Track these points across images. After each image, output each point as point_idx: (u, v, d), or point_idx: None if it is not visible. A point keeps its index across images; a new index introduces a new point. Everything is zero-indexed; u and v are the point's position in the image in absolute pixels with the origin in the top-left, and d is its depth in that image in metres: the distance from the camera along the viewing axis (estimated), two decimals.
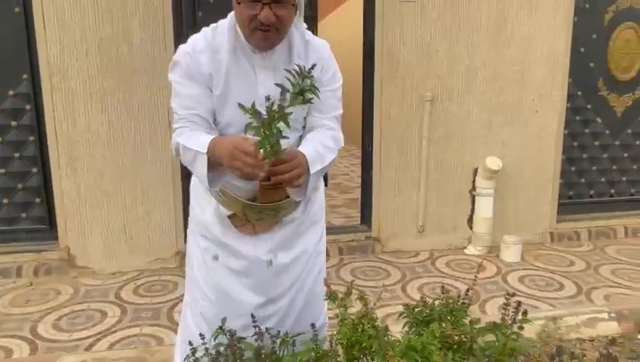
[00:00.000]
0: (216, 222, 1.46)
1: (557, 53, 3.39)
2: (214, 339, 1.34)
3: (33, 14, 2.78)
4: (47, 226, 3.11)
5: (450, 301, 1.41)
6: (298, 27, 1.41)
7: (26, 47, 2.89)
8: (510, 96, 3.36)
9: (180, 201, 3.11)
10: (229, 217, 1.43)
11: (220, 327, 1.35)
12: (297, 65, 1.19)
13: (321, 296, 1.56)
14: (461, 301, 1.41)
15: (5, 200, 3.05)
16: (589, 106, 3.70)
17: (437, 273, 3.08)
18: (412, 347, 1.13)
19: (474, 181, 3.39)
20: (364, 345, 1.18)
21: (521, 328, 1.23)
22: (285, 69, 1.24)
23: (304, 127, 1.44)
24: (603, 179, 3.85)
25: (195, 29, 3.07)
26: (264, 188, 1.35)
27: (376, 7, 3.13)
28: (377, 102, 3.21)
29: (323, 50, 1.44)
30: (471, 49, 3.26)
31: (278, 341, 1.33)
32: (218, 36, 1.37)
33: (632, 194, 3.92)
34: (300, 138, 1.43)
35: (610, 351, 1.09)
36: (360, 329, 1.27)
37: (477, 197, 3.38)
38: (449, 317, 1.36)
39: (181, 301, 2.65)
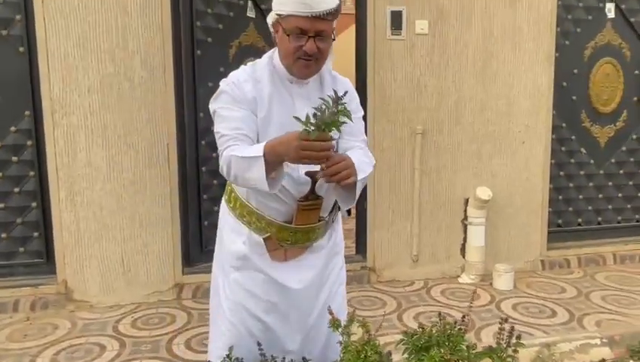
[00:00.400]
0: (248, 250, 1.54)
1: (540, 87, 3.55)
2: None
3: (37, 53, 2.88)
4: (44, 260, 3.12)
5: (448, 327, 1.47)
6: (327, 65, 1.56)
7: (29, 85, 2.97)
8: (498, 127, 3.50)
9: (178, 234, 3.16)
10: (264, 240, 1.51)
11: (228, 356, 1.39)
12: (330, 94, 1.30)
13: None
14: (457, 327, 1.47)
15: (4, 235, 3.07)
16: (573, 137, 3.84)
17: (432, 302, 3.13)
18: None
19: (465, 211, 3.48)
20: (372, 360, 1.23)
21: (515, 351, 1.29)
22: (319, 98, 1.35)
23: (336, 152, 1.52)
24: (590, 208, 3.97)
25: (194, 65, 3.19)
26: (301, 208, 1.48)
27: (367, 44, 3.28)
28: (370, 136, 3.31)
29: (348, 84, 1.63)
30: (458, 84, 3.41)
31: None
32: (258, 70, 1.52)
33: (618, 222, 4.03)
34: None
35: None
36: (363, 356, 1.33)
37: (469, 227, 3.46)
38: (447, 343, 1.42)
39: (180, 333, 2.69)
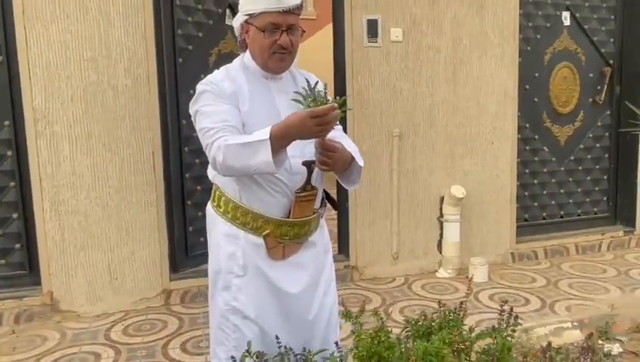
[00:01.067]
0: (247, 254, 1.59)
1: (506, 91, 3.77)
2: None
3: (18, 63, 2.84)
4: (27, 272, 3.07)
5: (448, 313, 1.61)
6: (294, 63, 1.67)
7: (8, 95, 2.93)
8: (468, 129, 3.70)
9: (165, 240, 3.19)
10: (264, 237, 1.57)
11: (247, 350, 1.47)
12: (304, 86, 1.43)
13: (335, 320, 1.74)
14: (457, 312, 1.61)
15: None
16: (536, 137, 4.10)
17: (414, 296, 3.28)
18: (428, 352, 1.30)
19: (441, 208, 3.66)
20: (385, 354, 1.34)
21: (513, 331, 1.43)
22: (295, 92, 1.45)
23: None
24: (553, 202, 4.24)
25: (176, 73, 3.22)
26: (299, 199, 1.55)
27: (345, 51, 3.41)
28: (350, 138, 3.44)
29: (315, 78, 1.67)
30: (432, 88, 3.59)
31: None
32: (231, 71, 1.60)
33: (578, 215, 4.32)
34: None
35: (588, 343, 1.31)
36: (377, 342, 1.44)
37: (445, 223, 3.64)
38: (448, 328, 1.55)
39: (174, 338, 2.72)
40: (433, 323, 1.56)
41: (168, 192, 3.23)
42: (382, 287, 3.43)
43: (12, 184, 3.02)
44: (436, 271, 3.68)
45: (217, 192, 1.64)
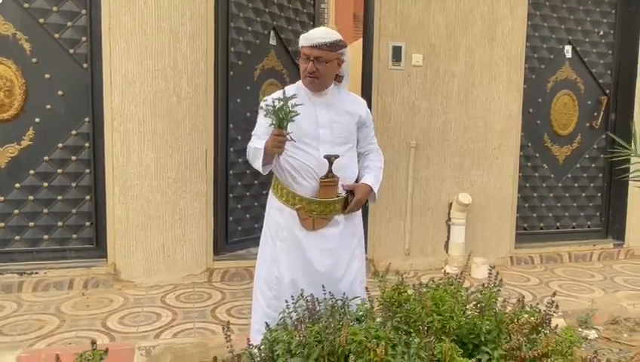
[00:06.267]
0: (287, 221, 2.19)
1: (512, 113, 4.28)
2: (295, 304, 1.98)
3: (102, 70, 3.42)
4: (94, 246, 3.62)
5: (451, 280, 2.11)
6: (344, 87, 2.29)
7: (90, 96, 3.50)
8: (477, 145, 4.21)
9: (211, 226, 3.72)
10: (297, 210, 2.14)
11: (301, 294, 1.98)
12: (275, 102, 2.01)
13: (359, 285, 2.26)
14: (457, 279, 2.12)
15: (59, 223, 3.56)
16: (537, 155, 4.60)
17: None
18: (436, 299, 1.81)
19: (449, 213, 4.16)
20: (404, 296, 1.85)
21: (499, 290, 1.94)
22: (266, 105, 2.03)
23: (358, 145, 2.31)
24: (550, 214, 4.72)
25: (227, 84, 3.77)
26: (322, 184, 2.13)
27: (372, 73, 3.95)
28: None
29: (363, 103, 2.36)
30: (446, 107, 4.11)
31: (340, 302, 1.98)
32: (287, 90, 2.19)
33: (573, 227, 4.79)
34: (350, 148, 2.23)
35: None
36: (398, 293, 1.95)
37: (452, 226, 4.14)
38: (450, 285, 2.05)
39: (219, 306, 3.24)
40: (440, 285, 2.07)
41: (215, 185, 3.77)
42: (393, 278, 3.91)
43: (87, 171, 3.58)
44: (442, 268, 4.17)
45: (274, 178, 2.28)
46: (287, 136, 1.98)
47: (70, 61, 3.46)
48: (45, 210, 3.50)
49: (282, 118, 1.94)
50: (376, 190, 2.27)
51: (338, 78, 2.25)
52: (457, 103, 4.13)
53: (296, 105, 1.96)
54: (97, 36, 3.43)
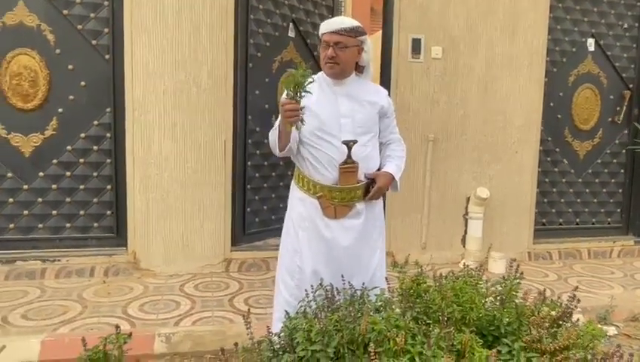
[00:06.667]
0: (309, 210, 2.20)
1: (532, 107, 4.23)
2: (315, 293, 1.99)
3: (123, 61, 3.46)
4: (114, 235, 3.68)
5: (470, 272, 2.11)
6: (367, 77, 2.28)
7: (111, 86, 3.55)
8: (495, 139, 4.17)
9: (229, 217, 3.75)
10: (319, 198, 2.15)
11: (320, 284, 2.00)
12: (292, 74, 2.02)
13: (380, 275, 2.26)
14: (477, 272, 2.11)
15: (82, 212, 3.63)
16: (557, 150, 4.54)
17: None
18: (456, 290, 1.81)
19: (467, 207, 4.14)
20: (424, 287, 1.86)
21: (519, 283, 1.93)
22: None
23: (379, 135, 2.30)
24: (570, 210, 4.66)
25: (246, 76, 3.77)
26: (342, 170, 2.13)
27: (392, 65, 3.93)
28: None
29: (384, 92, 2.33)
30: (465, 101, 4.08)
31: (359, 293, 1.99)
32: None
33: (593, 223, 4.73)
34: (372, 137, 2.22)
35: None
36: (417, 284, 1.95)
37: (469, 221, 4.12)
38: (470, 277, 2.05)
39: (237, 295, 3.28)
40: (459, 277, 2.07)
41: (233, 177, 3.80)
42: (412, 271, 3.91)
43: (108, 161, 3.63)
44: (459, 262, 4.15)
45: (296, 169, 2.28)
46: (301, 111, 1.95)
47: (93, 52, 3.51)
48: (68, 199, 3.57)
49: (295, 86, 1.88)
50: (397, 178, 2.26)
51: (359, 69, 2.25)
52: (477, 97, 4.10)
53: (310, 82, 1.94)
54: (119, 28, 3.47)
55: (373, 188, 2.19)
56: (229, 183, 3.74)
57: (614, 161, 4.72)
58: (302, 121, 1.98)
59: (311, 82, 1.93)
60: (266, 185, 4.09)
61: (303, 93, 1.91)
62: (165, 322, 2.84)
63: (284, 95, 2.01)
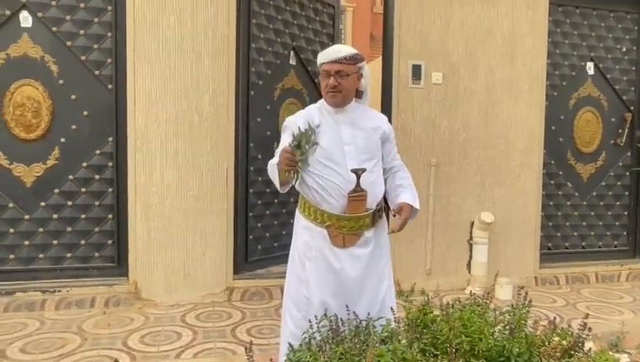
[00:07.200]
0: (316, 240, 2.15)
1: (533, 130, 4.23)
2: (319, 324, 1.95)
3: (126, 91, 3.49)
4: (115, 264, 3.64)
5: (477, 301, 2.06)
6: (365, 102, 2.29)
7: (114, 116, 3.56)
8: (498, 162, 4.16)
9: (231, 245, 3.72)
10: (327, 227, 2.11)
11: (325, 314, 1.95)
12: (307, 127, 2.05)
13: (389, 303, 2.21)
14: (484, 301, 2.07)
15: (82, 241, 3.60)
16: (560, 173, 4.52)
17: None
18: (464, 320, 1.76)
19: (471, 232, 4.10)
20: (431, 317, 1.81)
21: (527, 311, 1.88)
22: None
23: (382, 161, 2.29)
24: (575, 234, 4.61)
25: (248, 103, 3.79)
26: (351, 199, 2.10)
27: (392, 91, 3.95)
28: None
29: (385, 118, 2.33)
30: (466, 125, 4.08)
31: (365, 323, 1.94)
32: (310, 109, 2.27)
33: (599, 247, 4.67)
34: (376, 163, 2.21)
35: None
36: (424, 314, 1.91)
37: (474, 245, 4.07)
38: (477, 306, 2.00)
39: (239, 325, 3.22)
40: (466, 306, 2.02)
41: (235, 204, 3.78)
42: (417, 298, 3.85)
43: (110, 190, 3.62)
44: (465, 288, 4.09)
45: (301, 197, 2.24)
46: (299, 164, 2.00)
47: (95, 82, 3.54)
48: (69, 229, 3.55)
49: (301, 142, 1.96)
50: (417, 206, 2.28)
51: (358, 94, 2.26)
52: (478, 121, 4.10)
53: (316, 142, 2.01)
54: (122, 58, 3.51)
55: (401, 221, 2.21)
56: (231, 211, 3.71)
57: (618, 183, 4.70)
58: (296, 173, 2.03)
59: (316, 144, 2.02)
60: (269, 212, 4.07)
61: (304, 151, 1.97)
62: (166, 354, 2.78)
63: (286, 138, 2.06)
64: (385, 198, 2.29)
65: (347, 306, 1.95)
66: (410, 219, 2.30)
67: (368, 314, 2.05)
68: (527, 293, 1.92)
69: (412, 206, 2.25)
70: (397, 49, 3.94)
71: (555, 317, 1.94)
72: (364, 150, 2.15)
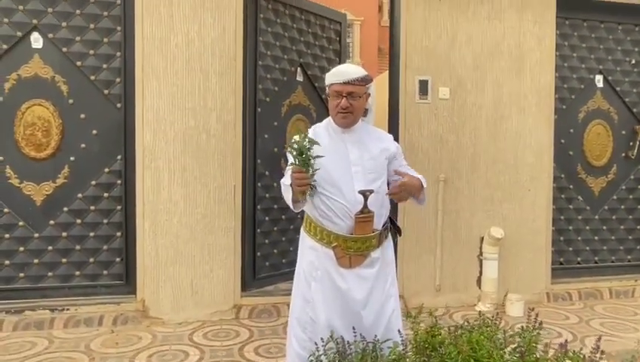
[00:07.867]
0: (322, 260, 2.13)
1: (542, 144, 4.20)
2: (325, 346, 1.92)
3: (135, 109, 3.52)
4: (124, 282, 3.65)
5: (487, 321, 2.03)
6: (370, 121, 2.27)
7: (122, 135, 3.60)
8: (507, 177, 4.12)
9: (239, 262, 3.71)
10: (333, 248, 2.09)
11: (331, 336, 1.93)
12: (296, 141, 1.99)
13: (395, 324, 2.18)
14: (493, 320, 2.03)
15: (91, 259, 3.61)
16: (571, 186, 4.47)
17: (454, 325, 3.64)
18: (471, 341, 1.73)
19: (481, 247, 4.05)
20: (439, 339, 1.78)
21: (538, 333, 1.84)
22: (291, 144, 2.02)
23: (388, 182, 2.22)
24: (587, 248, 4.54)
25: (255, 120, 3.81)
26: (358, 220, 2.07)
27: (399, 106, 3.95)
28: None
29: (390, 137, 2.32)
30: (474, 140, 4.06)
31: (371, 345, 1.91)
32: (317, 128, 2.24)
33: (612, 261, 4.59)
34: (382, 183, 2.15)
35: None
36: (432, 335, 1.88)
37: (484, 261, 4.02)
38: (486, 327, 1.97)
39: (247, 344, 3.19)
40: (475, 327, 1.99)
41: (243, 221, 3.77)
42: (426, 316, 3.80)
43: (119, 207, 3.64)
44: (475, 304, 4.03)
45: (306, 216, 2.23)
46: (311, 178, 1.96)
47: (105, 101, 3.58)
48: (78, 247, 3.56)
49: (301, 155, 1.92)
50: (425, 184, 2.23)
51: (364, 112, 2.25)
52: (486, 135, 4.08)
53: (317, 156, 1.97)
54: (131, 77, 3.55)
55: (402, 181, 2.09)
56: (239, 227, 3.71)
57: (630, 196, 4.63)
58: (312, 187, 2.01)
59: (316, 143, 1.96)
60: (276, 229, 4.06)
61: (310, 160, 1.94)
62: None
63: (291, 158, 2.05)
64: (390, 218, 2.26)
65: (353, 328, 1.92)
66: (421, 204, 2.29)
67: (375, 335, 2.02)
68: (537, 315, 1.88)
69: (419, 182, 2.19)
70: (403, 64, 3.94)
71: (566, 340, 1.89)
72: (371, 170, 2.14)
